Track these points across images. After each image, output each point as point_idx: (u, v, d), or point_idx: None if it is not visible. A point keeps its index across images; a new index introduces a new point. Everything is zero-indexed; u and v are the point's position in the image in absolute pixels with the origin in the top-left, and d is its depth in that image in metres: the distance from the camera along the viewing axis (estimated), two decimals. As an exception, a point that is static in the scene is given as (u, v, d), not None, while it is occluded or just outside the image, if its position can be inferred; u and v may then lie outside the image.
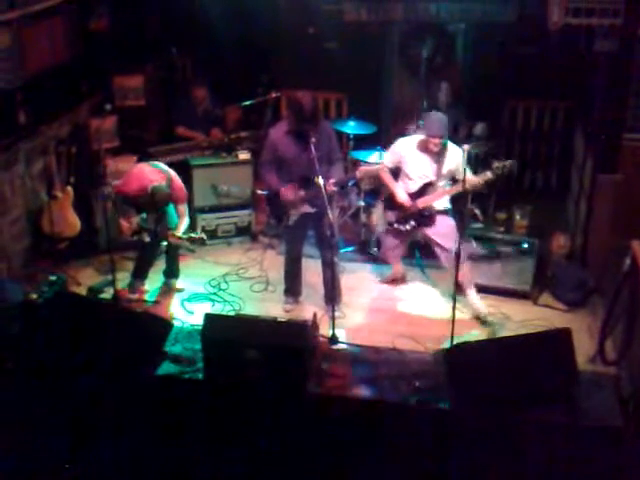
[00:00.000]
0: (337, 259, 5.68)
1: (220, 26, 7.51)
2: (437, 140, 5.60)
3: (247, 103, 7.18)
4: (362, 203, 6.79)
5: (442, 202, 5.81)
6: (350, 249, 6.74)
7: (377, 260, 6.55)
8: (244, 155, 6.95)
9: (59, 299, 5.46)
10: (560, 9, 5.77)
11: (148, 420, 4.72)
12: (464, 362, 4.78)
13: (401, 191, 5.81)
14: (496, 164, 5.51)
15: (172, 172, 5.91)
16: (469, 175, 5.50)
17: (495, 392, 4.58)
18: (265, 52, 8.07)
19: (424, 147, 5.72)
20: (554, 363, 4.75)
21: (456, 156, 5.67)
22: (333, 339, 5.33)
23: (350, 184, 6.52)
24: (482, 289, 5.90)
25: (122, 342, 4.94)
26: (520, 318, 5.74)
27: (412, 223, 5.83)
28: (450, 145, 5.75)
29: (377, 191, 6.91)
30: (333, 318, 5.37)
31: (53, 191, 6.42)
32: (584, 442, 4.45)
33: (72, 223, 6.44)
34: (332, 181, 5.41)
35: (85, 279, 6.19)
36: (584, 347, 5.23)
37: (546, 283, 6.08)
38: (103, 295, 5.92)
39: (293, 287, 5.96)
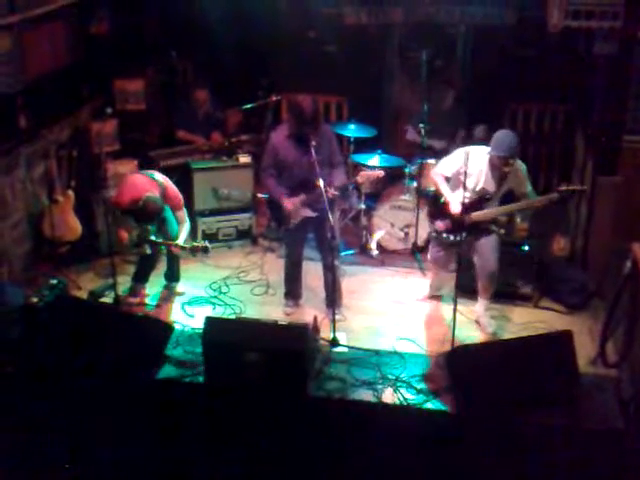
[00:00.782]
0: (338, 262, 5.68)
1: (220, 29, 7.49)
2: (509, 160, 5.22)
3: (247, 106, 7.16)
4: (363, 206, 6.80)
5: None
6: (351, 252, 6.75)
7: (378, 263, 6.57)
8: (245, 158, 6.94)
9: (60, 303, 5.46)
10: (560, 11, 5.78)
11: (148, 422, 4.72)
12: (466, 364, 4.79)
13: (456, 202, 5.43)
14: (565, 187, 5.29)
15: (167, 181, 5.83)
16: (533, 193, 5.41)
17: (496, 394, 4.58)
18: (265, 55, 8.06)
19: (489, 162, 5.34)
20: (555, 365, 4.75)
21: (518, 171, 5.39)
22: (334, 342, 5.33)
23: (351, 187, 6.52)
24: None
25: (123, 346, 4.95)
26: (521, 321, 5.75)
27: (462, 235, 5.44)
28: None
29: (378, 194, 6.95)
30: (334, 321, 5.36)
31: (54, 195, 6.42)
32: (585, 444, 4.45)
33: (73, 227, 6.44)
34: (333, 185, 5.40)
35: (86, 283, 6.18)
36: (585, 349, 5.23)
37: (547, 286, 6.08)
38: (104, 299, 5.92)
39: (293, 290, 5.95)
